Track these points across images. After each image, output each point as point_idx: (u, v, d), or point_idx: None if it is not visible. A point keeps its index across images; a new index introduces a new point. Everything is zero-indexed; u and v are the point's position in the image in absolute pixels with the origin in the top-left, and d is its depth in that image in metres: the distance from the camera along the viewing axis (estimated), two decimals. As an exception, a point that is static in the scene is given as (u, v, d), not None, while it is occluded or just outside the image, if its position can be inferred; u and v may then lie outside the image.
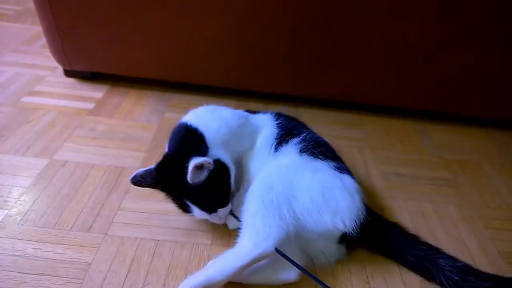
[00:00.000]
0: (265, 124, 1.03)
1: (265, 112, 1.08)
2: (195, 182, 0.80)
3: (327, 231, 0.82)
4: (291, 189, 0.82)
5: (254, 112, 1.09)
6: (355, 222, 0.82)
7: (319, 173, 0.87)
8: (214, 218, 0.87)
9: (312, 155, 0.92)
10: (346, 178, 0.90)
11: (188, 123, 0.92)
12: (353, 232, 0.81)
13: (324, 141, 1.01)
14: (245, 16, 1.26)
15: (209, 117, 0.96)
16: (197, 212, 0.85)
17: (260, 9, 1.24)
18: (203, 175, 0.81)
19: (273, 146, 0.96)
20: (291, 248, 0.81)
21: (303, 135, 0.97)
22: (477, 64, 1.30)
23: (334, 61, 1.35)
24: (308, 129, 1.04)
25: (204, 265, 0.85)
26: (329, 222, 0.80)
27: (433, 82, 1.37)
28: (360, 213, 0.84)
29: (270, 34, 1.30)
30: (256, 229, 0.78)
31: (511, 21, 1.20)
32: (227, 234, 0.94)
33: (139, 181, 0.84)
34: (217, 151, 0.88)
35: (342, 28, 1.26)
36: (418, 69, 1.34)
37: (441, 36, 1.25)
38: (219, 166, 0.85)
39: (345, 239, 0.86)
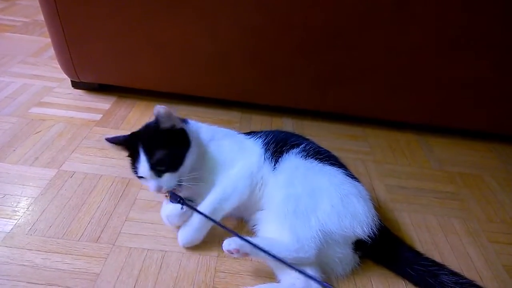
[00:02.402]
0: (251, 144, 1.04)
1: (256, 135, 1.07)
2: (162, 125, 0.87)
3: (346, 236, 0.85)
4: (314, 197, 0.87)
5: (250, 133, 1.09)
6: (371, 228, 0.86)
7: (335, 179, 0.91)
8: (155, 183, 0.87)
9: (320, 161, 0.95)
10: (359, 186, 0.94)
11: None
12: (369, 238, 0.85)
13: (326, 150, 1.02)
14: (251, 31, 1.28)
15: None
16: (143, 168, 0.86)
17: (265, 24, 1.26)
18: (169, 123, 0.87)
19: (270, 158, 0.97)
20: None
21: (302, 145, 0.99)
22: (478, 78, 1.32)
23: (338, 75, 1.37)
24: (307, 139, 1.05)
25: (211, 277, 0.86)
26: (349, 226, 0.84)
27: (435, 96, 1.39)
28: (375, 219, 0.88)
29: (275, 48, 1.32)
30: (297, 238, 0.82)
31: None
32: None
33: (113, 138, 0.91)
34: (193, 131, 0.95)
35: (346, 43, 1.28)
36: (420, 84, 1.36)
37: (443, 52, 1.27)
38: (184, 133, 0.91)
39: (360, 247, 0.88)
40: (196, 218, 0.91)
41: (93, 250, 0.89)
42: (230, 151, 0.99)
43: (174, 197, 0.89)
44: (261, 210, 0.95)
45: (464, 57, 1.28)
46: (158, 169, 0.86)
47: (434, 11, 1.20)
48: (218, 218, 0.90)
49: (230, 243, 0.81)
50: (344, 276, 0.90)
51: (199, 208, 0.89)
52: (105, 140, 0.91)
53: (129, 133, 0.93)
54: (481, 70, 1.30)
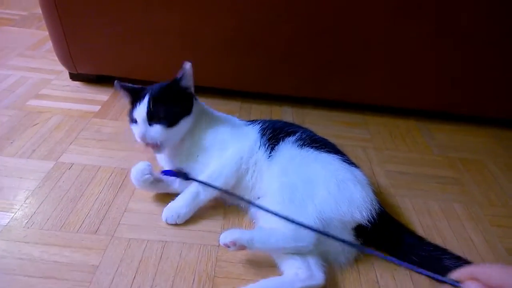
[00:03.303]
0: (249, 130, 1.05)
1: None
2: (183, 82, 0.95)
3: (344, 221, 0.85)
4: (310, 185, 0.87)
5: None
6: (370, 212, 0.85)
7: (330, 166, 0.91)
8: (143, 130, 0.90)
9: (315, 149, 0.95)
10: (356, 171, 0.93)
11: None
12: (369, 222, 0.85)
13: (322, 137, 1.02)
14: (249, 18, 1.26)
15: None
16: (140, 110, 0.90)
17: (264, 12, 1.24)
18: (189, 82, 0.96)
19: (266, 145, 0.98)
20: (311, 251, 0.83)
21: (298, 133, 0.99)
22: (479, 63, 1.30)
23: (337, 62, 1.35)
24: (303, 128, 1.04)
25: (212, 266, 0.86)
26: (347, 211, 0.84)
27: (435, 82, 1.37)
28: (374, 203, 0.88)
29: (275, 36, 1.30)
30: (295, 226, 0.81)
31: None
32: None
33: (124, 84, 0.97)
34: (197, 106, 1.02)
35: (345, 29, 1.27)
36: (420, 69, 1.34)
37: (442, 36, 1.25)
38: (191, 101, 0.99)
39: (360, 233, 0.87)
40: (181, 196, 0.95)
41: (91, 242, 0.88)
42: (224, 135, 1.01)
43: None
44: (258, 197, 0.95)
45: (465, 43, 1.26)
46: (153, 116, 0.90)
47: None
48: (204, 200, 0.95)
49: (226, 236, 0.80)
50: (347, 265, 0.89)
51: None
52: (116, 83, 0.97)
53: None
54: (481, 55, 1.28)
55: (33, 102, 1.36)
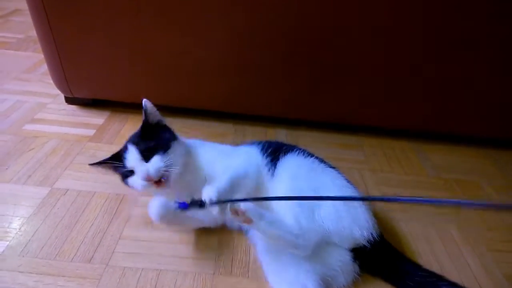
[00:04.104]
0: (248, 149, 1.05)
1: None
2: (150, 119, 0.93)
3: (343, 237, 0.85)
4: (318, 194, 0.88)
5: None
6: (370, 232, 0.86)
7: (337, 181, 0.94)
8: (144, 169, 0.84)
9: (321, 162, 0.99)
10: (358, 193, 0.96)
11: None
12: (368, 243, 0.85)
13: (319, 157, 1.03)
14: (242, 41, 1.27)
15: None
16: (131, 156, 0.87)
17: (257, 34, 1.26)
18: (156, 117, 0.95)
19: (267, 165, 0.98)
20: (310, 272, 0.83)
21: (297, 149, 1.01)
22: (473, 83, 1.31)
23: (331, 83, 1.36)
24: (299, 147, 1.05)
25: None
26: (347, 227, 0.85)
27: (428, 103, 1.38)
28: (375, 226, 0.89)
29: (267, 58, 1.31)
30: (300, 225, 0.82)
31: (505, 37, 1.22)
32: (230, 263, 0.93)
33: (98, 163, 0.91)
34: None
35: (338, 51, 1.28)
36: (413, 90, 1.35)
37: (437, 58, 1.27)
38: (169, 129, 0.98)
39: (358, 255, 0.87)
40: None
41: (86, 271, 0.88)
42: (221, 146, 1.03)
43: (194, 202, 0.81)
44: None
45: (459, 62, 1.27)
46: (145, 152, 0.87)
47: (427, 17, 1.19)
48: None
49: (239, 204, 0.77)
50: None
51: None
52: (93, 166, 0.91)
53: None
54: (475, 75, 1.30)
55: (29, 127, 1.36)
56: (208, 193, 0.78)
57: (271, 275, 0.87)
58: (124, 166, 0.88)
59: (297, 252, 0.82)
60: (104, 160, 0.91)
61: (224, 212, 0.79)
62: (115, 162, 0.88)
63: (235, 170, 0.90)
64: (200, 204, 0.78)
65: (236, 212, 0.77)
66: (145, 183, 0.85)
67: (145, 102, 0.91)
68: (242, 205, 0.76)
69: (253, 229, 0.85)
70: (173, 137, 0.94)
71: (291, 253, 0.82)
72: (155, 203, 0.87)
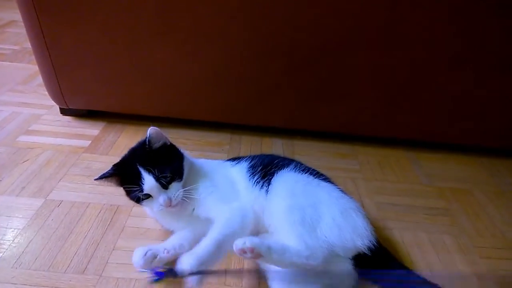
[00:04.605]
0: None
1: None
2: (155, 145, 0.91)
3: (346, 248, 0.86)
4: (317, 210, 0.89)
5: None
6: (370, 240, 0.87)
7: (334, 193, 0.95)
8: (164, 196, 0.87)
9: (315, 177, 0.98)
10: (355, 202, 0.96)
11: None
12: (368, 251, 0.86)
13: (315, 169, 1.03)
14: (238, 53, 1.29)
15: None
16: (149, 183, 0.86)
17: (253, 47, 1.27)
18: (160, 142, 0.92)
19: (260, 183, 0.97)
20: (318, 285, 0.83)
21: (292, 165, 1.00)
22: (465, 92, 1.33)
23: (326, 93, 1.38)
24: (294, 160, 1.05)
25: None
26: (349, 238, 0.85)
27: (422, 112, 1.39)
28: (373, 233, 0.89)
29: (263, 70, 1.33)
30: (306, 245, 0.82)
31: (498, 48, 1.23)
32: (224, 274, 0.93)
33: (101, 176, 0.91)
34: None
35: (333, 61, 1.29)
36: (407, 99, 1.37)
37: (430, 67, 1.28)
38: (175, 148, 0.96)
39: (359, 262, 0.87)
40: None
41: (79, 282, 0.88)
42: (221, 183, 0.99)
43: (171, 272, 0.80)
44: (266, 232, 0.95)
45: (452, 73, 1.29)
46: (164, 181, 0.87)
47: (424, 29, 1.21)
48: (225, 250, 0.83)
49: (245, 241, 0.75)
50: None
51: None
52: (98, 179, 0.91)
53: (115, 162, 0.93)
54: (467, 84, 1.31)
55: (24, 138, 1.37)
56: (187, 262, 0.76)
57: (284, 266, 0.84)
58: (141, 190, 0.88)
59: (307, 269, 0.82)
60: (110, 172, 0.91)
61: (203, 283, 0.80)
62: (134, 186, 0.88)
63: (224, 228, 0.85)
64: (176, 274, 0.76)
65: (244, 252, 0.75)
66: (163, 207, 0.89)
67: (150, 131, 0.89)
68: (249, 242, 0.75)
69: (264, 262, 0.86)
70: (181, 158, 0.95)
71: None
72: (139, 252, 0.87)
